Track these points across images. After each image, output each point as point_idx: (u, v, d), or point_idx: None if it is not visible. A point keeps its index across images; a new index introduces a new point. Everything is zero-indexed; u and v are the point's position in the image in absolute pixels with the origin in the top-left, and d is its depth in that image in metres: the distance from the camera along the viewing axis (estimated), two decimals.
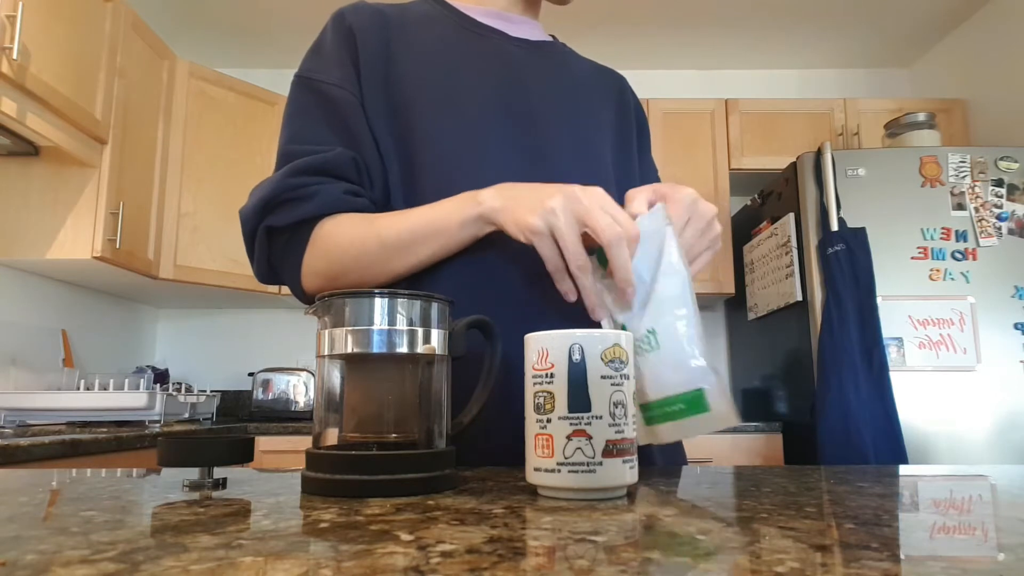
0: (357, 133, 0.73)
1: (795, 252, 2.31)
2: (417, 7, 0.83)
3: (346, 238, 0.69)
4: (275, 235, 0.72)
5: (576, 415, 0.44)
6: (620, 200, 0.69)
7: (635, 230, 0.57)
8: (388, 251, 0.68)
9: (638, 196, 0.63)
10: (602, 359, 0.45)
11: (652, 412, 0.56)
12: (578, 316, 0.61)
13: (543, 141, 0.76)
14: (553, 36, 0.92)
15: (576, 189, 0.59)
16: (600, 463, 0.43)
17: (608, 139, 0.85)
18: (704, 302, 3.05)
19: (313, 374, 2.70)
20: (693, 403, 0.54)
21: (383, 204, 0.75)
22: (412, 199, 0.73)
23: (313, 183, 0.69)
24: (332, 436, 0.50)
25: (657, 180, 0.94)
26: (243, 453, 0.48)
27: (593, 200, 0.58)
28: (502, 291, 0.69)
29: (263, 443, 2.28)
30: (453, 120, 0.74)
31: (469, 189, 0.67)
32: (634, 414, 0.46)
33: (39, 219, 2.09)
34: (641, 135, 0.94)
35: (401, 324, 0.48)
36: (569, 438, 0.44)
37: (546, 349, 0.46)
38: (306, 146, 0.71)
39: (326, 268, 0.70)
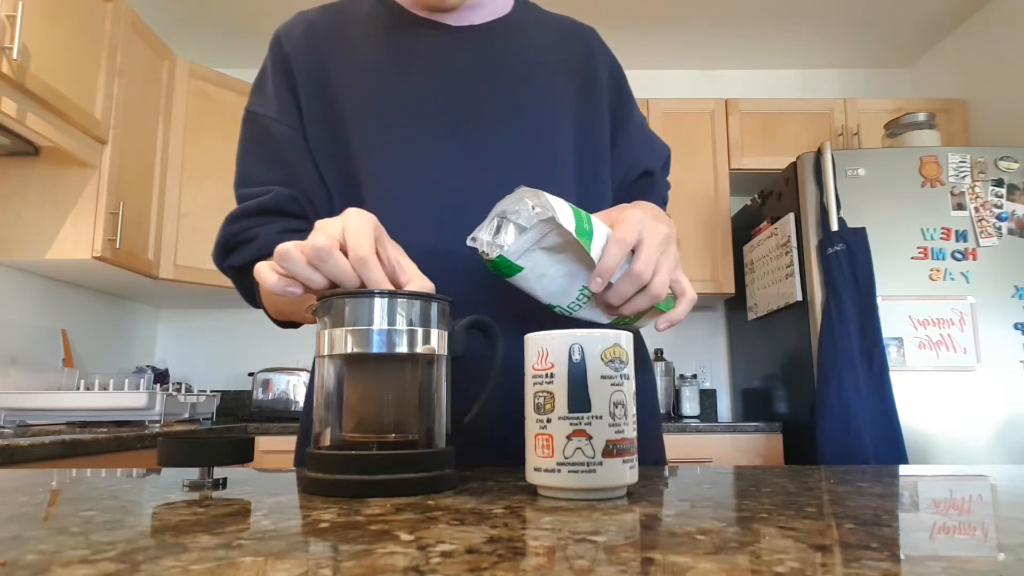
0: (296, 166, 0.75)
1: (795, 252, 2.31)
2: (358, 6, 0.80)
3: None
4: (236, 274, 0.77)
5: (576, 415, 0.44)
6: (582, 181, 0.74)
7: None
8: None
9: None
10: (602, 359, 0.45)
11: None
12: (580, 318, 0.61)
13: (483, 148, 0.73)
14: None
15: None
16: (600, 463, 0.43)
17: (568, 121, 0.78)
18: (704, 302, 3.05)
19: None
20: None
21: None
22: None
23: (254, 225, 0.73)
24: (331, 436, 0.50)
25: (646, 143, 0.88)
26: (243, 453, 0.48)
27: None
28: (500, 289, 0.69)
29: (263, 443, 2.28)
30: (387, 134, 0.73)
31: (406, 205, 0.70)
32: (634, 414, 0.46)
33: (39, 219, 2.09)
34: (620, 96, 0.85)
35: (401, 324, 0.48)
36: (569, 438, 0.44)
37: (546, 349, 0.46)
38: (251, 188, 0.75)
39: (270, 307, 0.75)
